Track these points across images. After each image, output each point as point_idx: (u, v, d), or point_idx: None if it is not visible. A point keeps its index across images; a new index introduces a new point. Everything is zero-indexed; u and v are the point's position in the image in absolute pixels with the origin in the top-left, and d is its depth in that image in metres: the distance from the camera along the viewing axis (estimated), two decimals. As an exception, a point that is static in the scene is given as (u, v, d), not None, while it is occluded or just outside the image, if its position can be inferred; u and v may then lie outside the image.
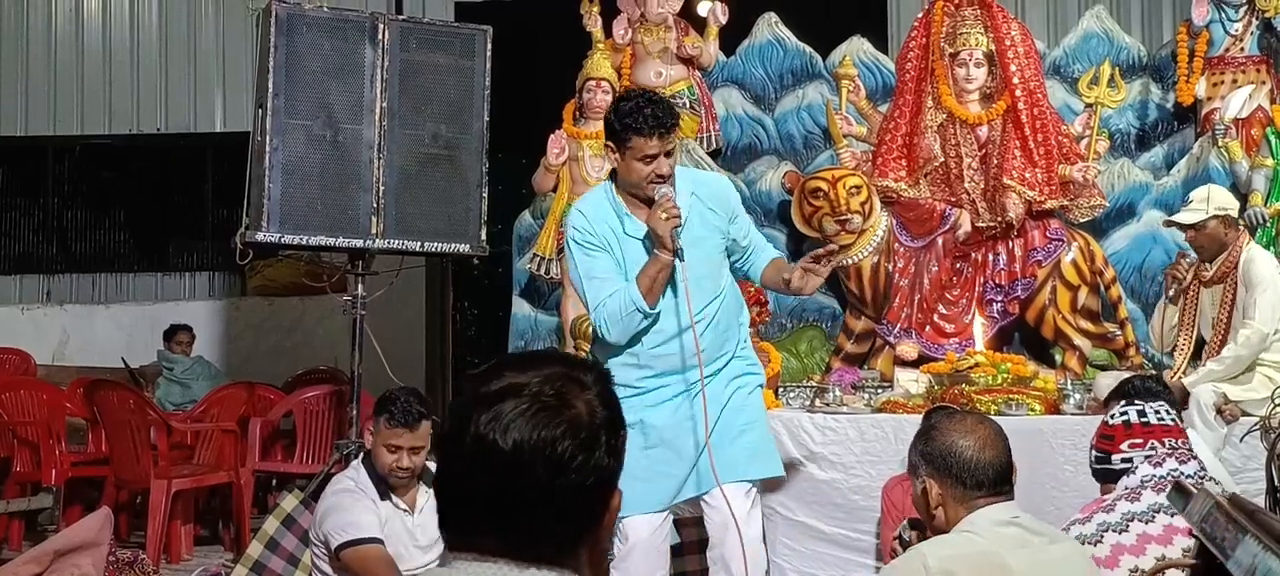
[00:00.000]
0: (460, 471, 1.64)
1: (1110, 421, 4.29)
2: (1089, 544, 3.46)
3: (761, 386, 4.39)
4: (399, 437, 4.44)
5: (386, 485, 4.49)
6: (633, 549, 4.13)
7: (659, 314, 4.10)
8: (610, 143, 4.11)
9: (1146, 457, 3.74)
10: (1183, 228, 5.98)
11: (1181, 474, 3.55)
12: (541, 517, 1.62)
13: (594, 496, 1.66)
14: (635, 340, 4.17)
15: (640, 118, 3.99)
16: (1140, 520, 3.48)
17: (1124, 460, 4.01)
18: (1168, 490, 3.47)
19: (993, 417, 3.21)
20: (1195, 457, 3.73)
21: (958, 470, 2.88)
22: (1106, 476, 4.17)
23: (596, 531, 1.69)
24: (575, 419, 1.64)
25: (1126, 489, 3.62)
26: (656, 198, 4.01)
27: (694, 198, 4.16)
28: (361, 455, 4.75)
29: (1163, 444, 3.90)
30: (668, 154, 4.04)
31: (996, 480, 2.87)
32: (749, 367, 4.32)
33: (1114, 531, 3.49)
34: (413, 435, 4.46)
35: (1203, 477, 3.59)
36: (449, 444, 1.67)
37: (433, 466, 4.76)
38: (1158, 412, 4.25)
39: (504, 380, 1.66)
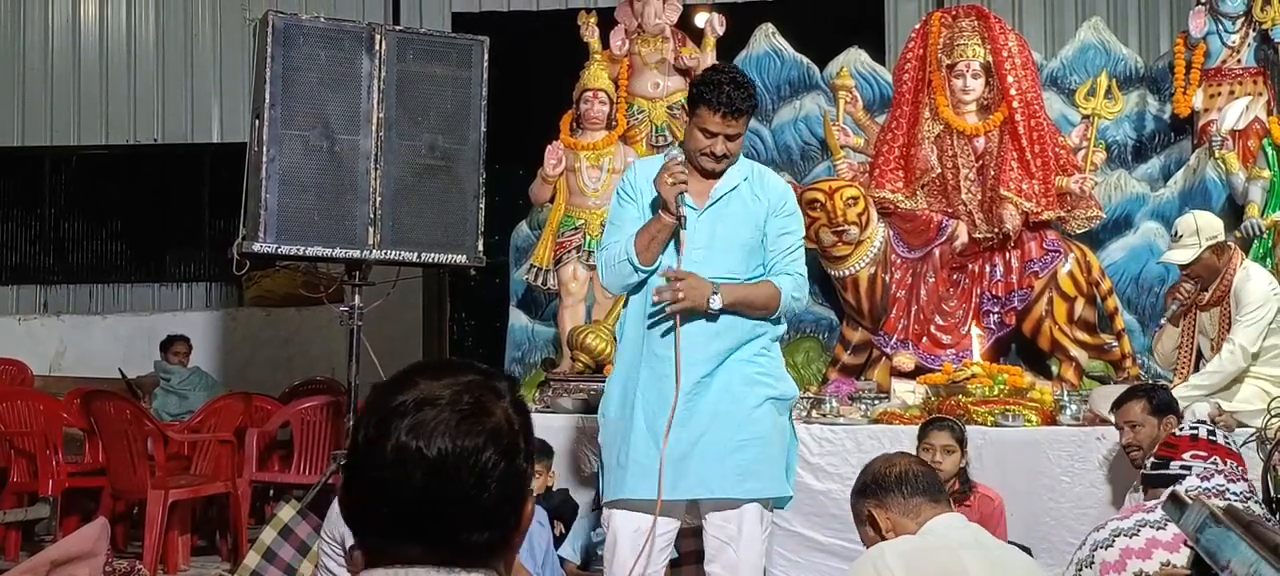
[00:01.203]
0: (381, 482, 1.63)
1: (1179, 432, 4.36)
2: (1126, 536, 3.49)
3: (776, 400, 4.12)
4: None
5: None
6: (615, 542, 4.03)
7: (655, 271, 4.05)
8: (686, 103, 4.24)
9: (1199, 471, 3.78)
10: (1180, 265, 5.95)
11: (1228, 492, 3.58)
12: (466, 525, 1.63)
13: (514, 502, 1.68)
14: (643, 301, 4.12)
15: (715, 91, 4.00)
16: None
17: (1182, 467, 4.06)
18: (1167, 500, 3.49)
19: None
20: (1245, 480, 3.76)
21: (893, 485, 3.07)
22: (1161, 481, 4.20)
23: (514, 536, 1.71)
24: (496, 427, 1.66)
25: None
26: (665, 158, 4.03)
27: (745, 181, 4.15)
28: None
29: (1225, 463, 3.95)
30: (730, 138, 4.04)
31: (930, 487, 3.07)
32: (762, 375, 4.09)
33: (1152, 527, 3.52)
34: None
35: (1249, 498, 3.61)
36: (366, 455, 1.65)
37: None
38: (1228, 438, 4.34)
39: (419, 389, 1.66)
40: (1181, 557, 3.42)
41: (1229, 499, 3.55)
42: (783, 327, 4.27)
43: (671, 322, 4.00)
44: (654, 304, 4.01)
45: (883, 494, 3.09)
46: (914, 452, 5.16)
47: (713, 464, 3.98)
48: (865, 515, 3.14)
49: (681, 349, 4.00)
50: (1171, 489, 3.29)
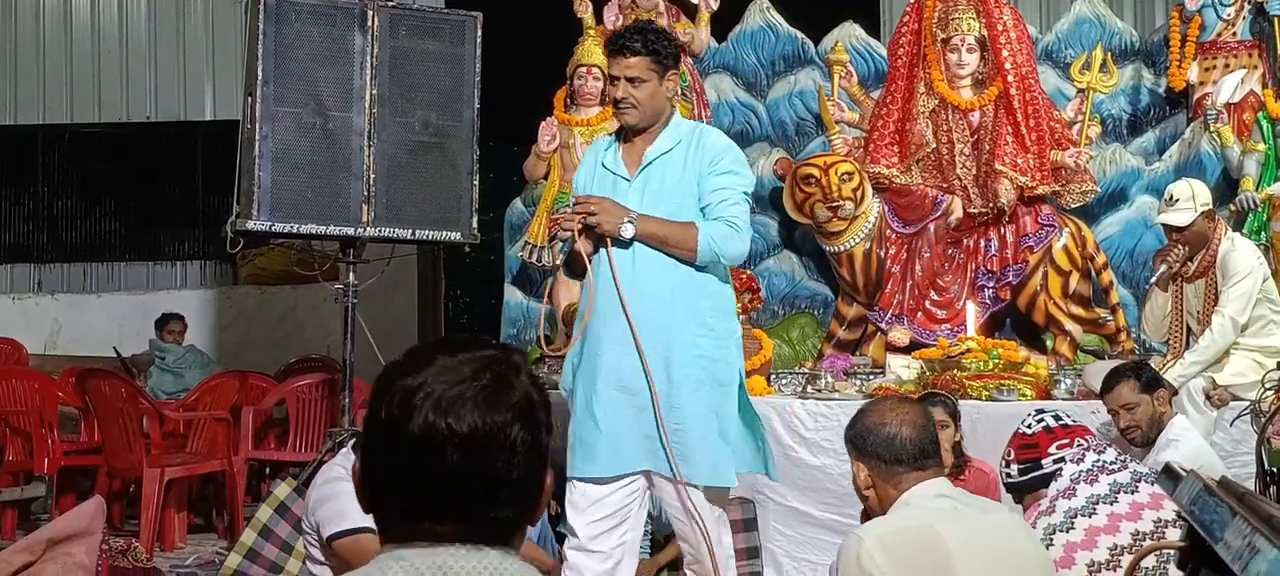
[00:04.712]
0: (407, 461, 1.64)
1: (1028, 432, 4.48)
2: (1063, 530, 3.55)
3: (717, 384, 4.01)
4: None
5: None
6: (573, 511, 4.02)
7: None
8: None
9: (1070, 458, 3.85)
10: (1174, 228, 5.94)
11: (1102, 463, 3.65)
12: (495, 501, 1.64)
13: (539, 477, 1.69)
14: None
15: (612, 37, 4.06)
16: (1105, 502, 3.55)
17: (1055, 462, 4.14)
18: (1105, 479, 3.57)
19: (913, 400, 3.27)
20: (1109, 446, 3.85)
21: (877, 447, 3.02)
22: (1036, 484, 4.30)
23: (535, 510, 1.71)
24: (520, 402, 1.66)
25: (1059, 491, 3.70)
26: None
27: (680, 144, 4.09)
28: (355, 442, 4.73)
29: (1086, 440, 4.04)
30: (631, 81, 4.00)
31: (916, 454, 3.00)
32: (701, 357, 3.99)
33: (1062, 531, 3.58)
34: None
35: (1124, 463, 3.69)
36: (390, 435, 1.65)
37: None
38: (1063, 416, 4.57)
39: (437, 366, 1.66)
40: (1124, 538, 3.46)
41: (1110, 469, 3.62)
42: (730, 300, 4.20)
43: (612, 291, 3.98)
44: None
45: (865, 453, 3.07)
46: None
47: (652, 441, 3.93)
48: (852, 460, 3.13)
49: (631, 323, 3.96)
50: (1166, 463, 3.31)
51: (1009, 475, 4.62)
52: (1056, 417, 4.61)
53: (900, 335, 6.88)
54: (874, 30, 9.31)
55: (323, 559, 4.44)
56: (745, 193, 4.09)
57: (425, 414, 1.62)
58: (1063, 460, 3.97)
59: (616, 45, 4.01)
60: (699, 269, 4.03)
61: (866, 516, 3.29)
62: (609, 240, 3.99)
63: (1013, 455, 4.59)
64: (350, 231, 5.90)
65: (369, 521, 4.49)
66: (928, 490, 2.98)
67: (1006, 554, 2.90)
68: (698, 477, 3.96)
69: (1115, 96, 7.63)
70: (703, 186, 4.02)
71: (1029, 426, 4.60)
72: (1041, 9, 11.06)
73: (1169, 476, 2.88)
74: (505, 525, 1.66)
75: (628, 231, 3.94)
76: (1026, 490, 4.47)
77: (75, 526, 3.74)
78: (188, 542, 7.30)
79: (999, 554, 2.88)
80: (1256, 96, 7.17)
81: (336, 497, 4.36)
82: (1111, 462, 3.67)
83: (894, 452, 3.00)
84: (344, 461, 4.56)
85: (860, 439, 3.09)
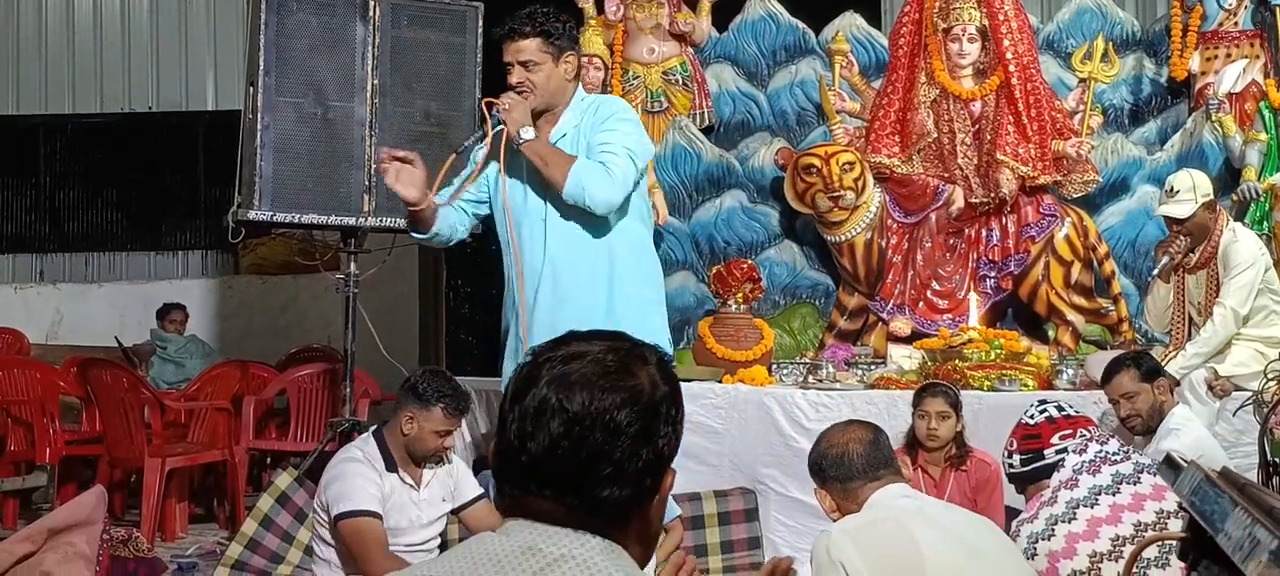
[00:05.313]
0: (520, 432, 1.68)
1: (1031, 422, 4.49)
2: (1043, 540, 3.57)
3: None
4: (453, 424, 4.49)
5: (394, 459, 4.48)
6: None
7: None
8: None
9: (1072, 448, 3.87)
10: (1174, 220, 5.92)
11: (1105, 454, 3.67)
12: (595, 483, 1.66)
13: (647, 468, 1.69)
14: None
15: (505, 24, 4.08)
16: (1107, 492, 3.56)
17: (1057, 452, 4.16)
18: (1107, 470, 3.58)
19: (861, 421, 3.38)
20: (1112, 437, 3.87)
21: (831, 470, 3.17)
22: (1038, 476, 4.31)
23: (646, 507, 1.72)
24: (636, 388, 1.69)
25: (1061, 481, 3.72)
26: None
27: (576, 128, 4.16)
28: (373, 429, 4.73)
29: (1089, 431, 4.05)
30: (524, 64, 4.06)
31: (866, 468, 3.14)
32: (624, 330, 4.10)
33: (1064, 521, 3.58)
34: (462, 420, 4.64)
35: (1126, 454, 3.70)
36: (513, 406, 1.70)
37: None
38: (1066, 406, 4.59)
39: (570, 347, 1.72)
40: (1126, 528, 3.47)
41: (1112, 459, 3.64)
42: (653, 270, 4.29)
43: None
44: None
45: (823, 479, 3.20)
46: (909, 418, 5.19)
47: None
48: (816, 491, 3.27)
49: (532, 326, 4.04)
50: (1166, 454, 3.32)
51: (1011, 465, 4.62)
52: (1059, 408, 4.60)
53: (902, 325, 6.88)
54: (875, 20, 9.29)
55: (330, 539, 4.45)
56: (629, 149, 4.12)
57: (541, 387, 1.67)
58: (1065, 450, 3.98)
59: (507, 29, 4.05)
60: (601, 234, 4.10)
61: None
62: (503, 185, 4.09)
63: (1015, 446, 4.59)
64: (351, 221, 5.91)
65: (373, 506, 4.51)
66: (889, 493, 3.10)
67: (973, 542, 2.99)
68: None
69: (1117, 86, 7.62)
70: (591, 144, 4.11)
71: (1032, 417, 4.60)
72: (1043, -1, 11.03)
73: (1170, 467, 2.89)
74: (611, 508, 1.67)
75: (527, 133, 4.05)
76: (1029, 480, 4.48)
77: (76, 516, 3.74)
78: (189, 532, 7.30)
79: (966, 541, 2.97)
80: (1258, 86, 7.16)
81: (345, 478, 4.38)
82: (1114, 453, 3.67)
83: (846, 470, 3.14)
84: (361, 444, 4.57)
85: (817, 467, 3.23)
